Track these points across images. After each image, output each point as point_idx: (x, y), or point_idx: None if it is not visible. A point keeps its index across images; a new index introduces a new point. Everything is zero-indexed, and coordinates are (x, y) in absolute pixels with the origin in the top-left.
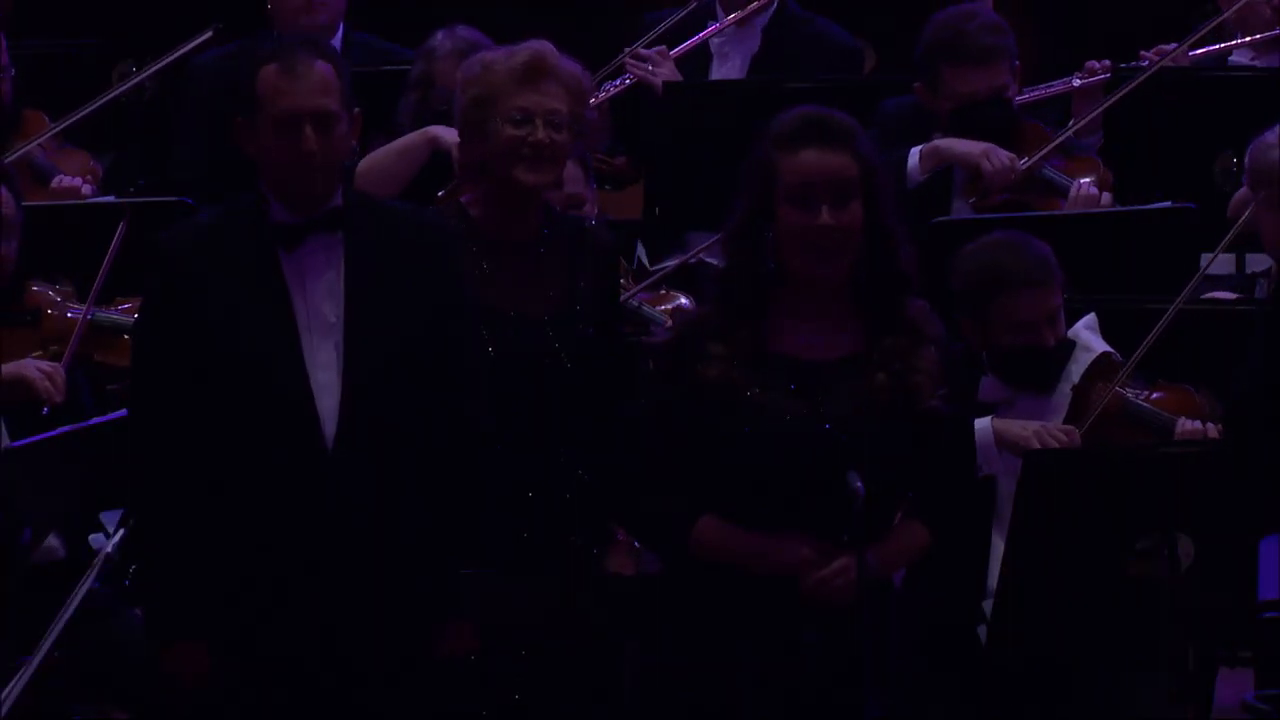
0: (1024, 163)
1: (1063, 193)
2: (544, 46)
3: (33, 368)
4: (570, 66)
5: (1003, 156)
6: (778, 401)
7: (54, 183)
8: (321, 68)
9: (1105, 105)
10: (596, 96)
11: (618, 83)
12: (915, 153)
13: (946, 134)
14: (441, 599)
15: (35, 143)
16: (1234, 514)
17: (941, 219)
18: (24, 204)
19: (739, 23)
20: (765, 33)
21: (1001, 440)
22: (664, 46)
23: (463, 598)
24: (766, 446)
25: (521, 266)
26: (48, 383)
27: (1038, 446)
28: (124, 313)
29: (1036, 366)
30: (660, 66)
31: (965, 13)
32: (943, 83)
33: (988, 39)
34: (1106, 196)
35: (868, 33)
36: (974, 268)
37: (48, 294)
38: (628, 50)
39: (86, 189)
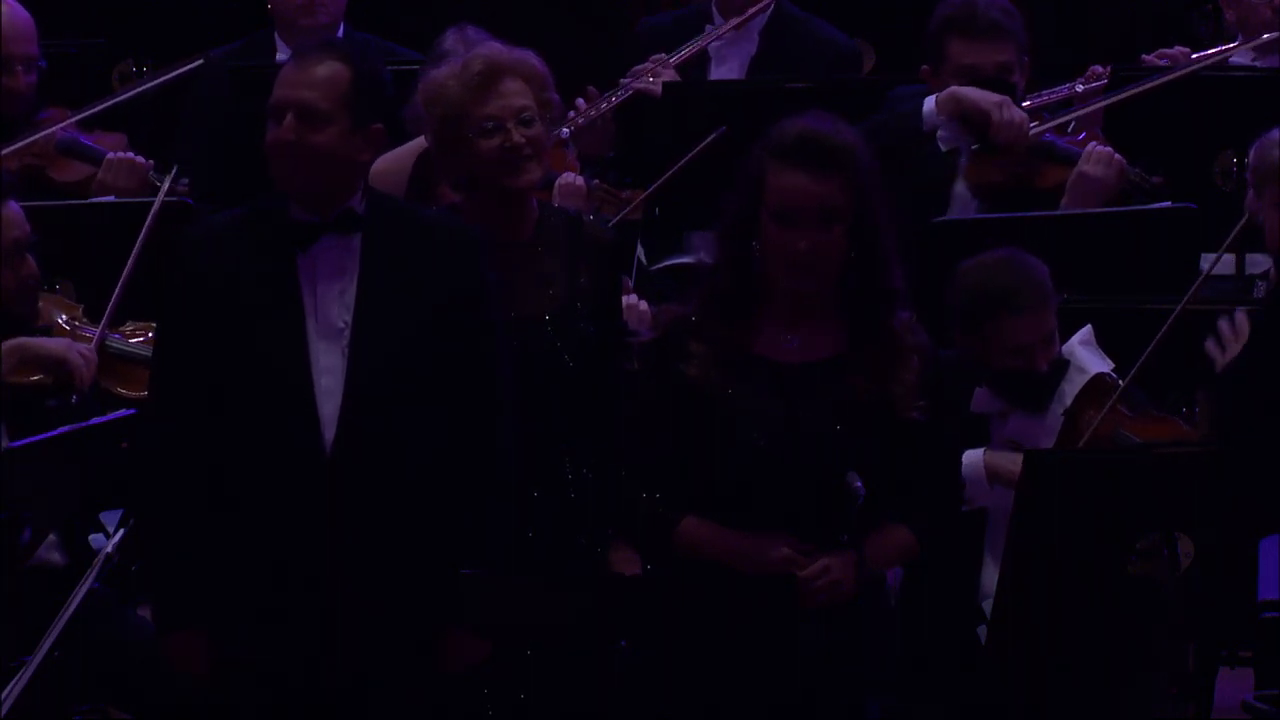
0: (1035, 128)
1: (1070, 161)
2: (490, 48)
3: (74, 351)
4: (522, 56)
5: (1016, 112)
6: (756, 403)
7: (109, 156)
8: (329, 67)
9: (1111, 100)
10: (598, 108)
11: (620, 93)
12: (931, 99)
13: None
14: (444, 608)
15: (57, 128)
16: (1234, 514)
17: (942, 219)
18: (42, 203)
19: (736, 26)
20: (763, 35)
21: (994, 474)
22: (663, 55)
23: (464, 602)
24: (744, 447)
25: (520, 267)
26: (83, 370)
27: None
28: (129, 335)
29: (1029, 389)
30: (659, 77)
31: None
32: (949, 57)
33: (997, 15)
34: (1120, 157)
35: (868, 33)
36: (971, 287)
37: (57, 311)
38: (628, 74)
39: (141, 160)
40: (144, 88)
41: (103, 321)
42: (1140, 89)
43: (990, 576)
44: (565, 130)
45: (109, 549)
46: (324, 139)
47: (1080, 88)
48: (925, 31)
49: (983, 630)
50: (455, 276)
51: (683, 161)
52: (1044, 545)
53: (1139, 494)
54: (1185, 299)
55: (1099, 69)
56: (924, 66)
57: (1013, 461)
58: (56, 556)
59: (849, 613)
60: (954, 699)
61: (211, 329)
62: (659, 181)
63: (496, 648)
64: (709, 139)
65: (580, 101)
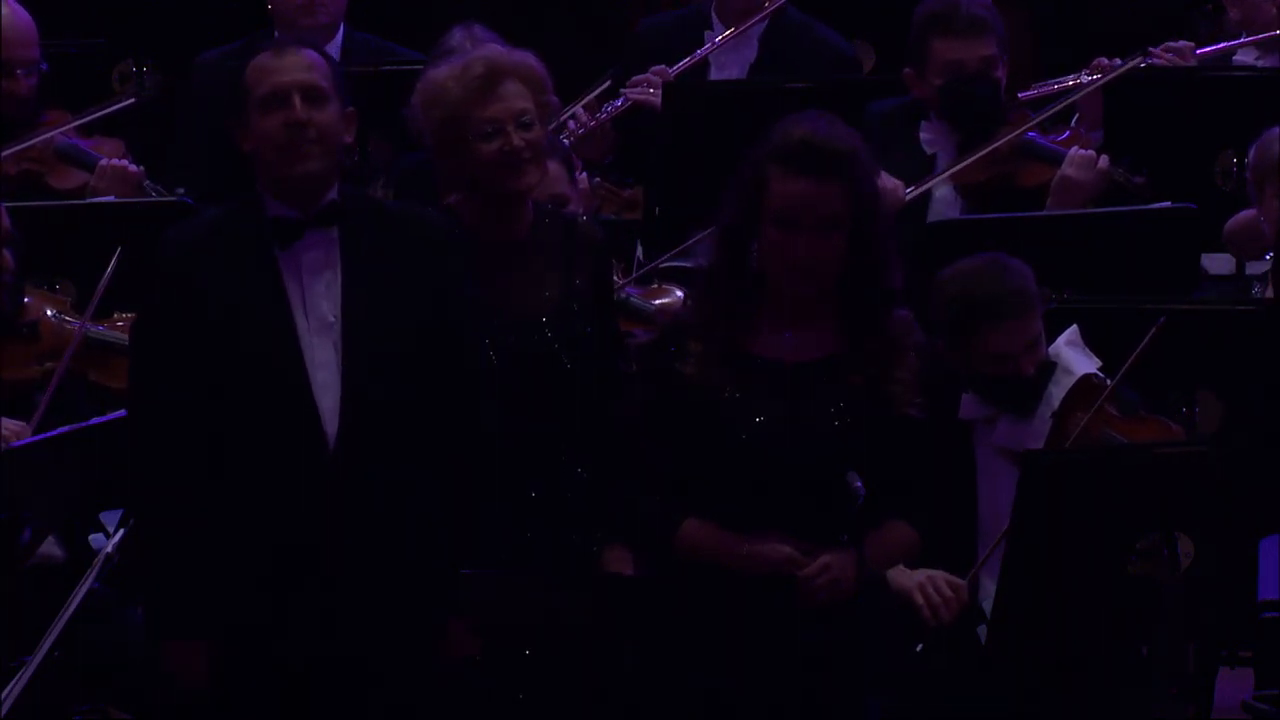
0: (1034, 116)
1: (1053, 160)
2: (490, 50)
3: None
4: (521, 58)
5: (887, 180)
6: (755, 402)
7: (101, 163)
8: (308, 54)
9: (1099, 84)
10: (597, 118)
11: (618, 103)
12: None
13: (935, 120)
14: (442, 599)
15: (55, 131)
16: (1234, 514)
17: (939, 220)
18: (34, 204)
19: (735, 35)
20: (762, 41)
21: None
22: (663, 65)
23: (463, 598)
24: (743, 447)
25: (516, 267)
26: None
27: (921, 601)
28: (121, 330)
29: (1015, 393)
30: (658, 86)
31: None
32: (932, 57)
33: (977, 10)
34: (1104, 159)
35: (868, 33)
36: (953, 298)
37: (44, 305)
38: (627, 84)
39: (133, 168)
40: (87, 119)
41: (85, 315)
42: (1124, 69)
43: (986, 585)
44: (565, 141)
45: (109, 549)
46: (328, 117)
47: (1085, 78)
48: (908, 34)
49: (983, 630)
50: (428, 267)
51: (676, 250)
52: (1044, 545)
53: (1138, 494)
54: (1168, 301)
55: (1104, 61)
56: (906, 70)
57: (908, 576)
58: (57, 551)
59: (849, 612)
60: (954, 699)
61: (198, 331)
62: (663, 258)
63: (495, 647)
64: (701, 235)
65: (579, 110)
